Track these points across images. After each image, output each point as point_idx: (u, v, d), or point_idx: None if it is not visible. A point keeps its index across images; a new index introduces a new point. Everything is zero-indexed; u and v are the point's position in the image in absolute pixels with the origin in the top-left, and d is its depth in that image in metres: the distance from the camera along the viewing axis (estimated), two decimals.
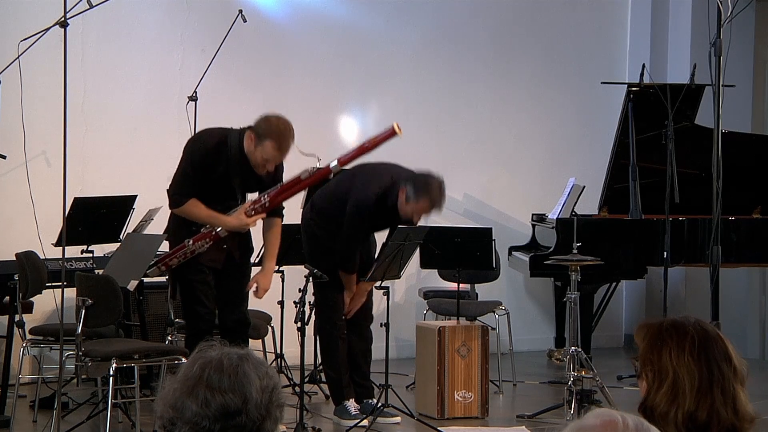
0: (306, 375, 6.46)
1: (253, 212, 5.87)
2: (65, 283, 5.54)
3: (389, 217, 6.25)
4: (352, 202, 6.25)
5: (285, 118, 5.83)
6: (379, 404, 6.22)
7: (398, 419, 6.30)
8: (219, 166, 5.82)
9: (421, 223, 6.50)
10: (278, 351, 7.20)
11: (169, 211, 6.00)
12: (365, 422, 6.17)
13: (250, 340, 6.84)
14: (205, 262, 5.90)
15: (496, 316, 7.76)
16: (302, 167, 5.98)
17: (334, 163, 5.94)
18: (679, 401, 2.23)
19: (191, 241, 5.84)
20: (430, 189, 6.13)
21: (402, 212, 6.18)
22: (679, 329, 2.29)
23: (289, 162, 6.02)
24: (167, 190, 5.96)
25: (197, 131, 6.17)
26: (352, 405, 6.40)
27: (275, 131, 5.73)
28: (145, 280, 6.69)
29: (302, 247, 6.67)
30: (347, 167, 6.11)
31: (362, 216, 6.25)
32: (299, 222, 7.02)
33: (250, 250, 6.13)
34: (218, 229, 5.85)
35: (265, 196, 5.89)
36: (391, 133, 5.95)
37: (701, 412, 2.22)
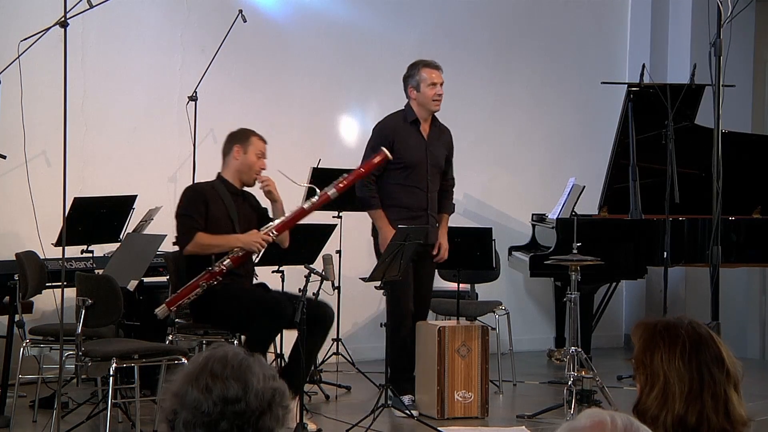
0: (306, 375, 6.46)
1: (265, 233, 6.16)
2: (65, 283, 5.53)
3: (413, 129, 6.79)
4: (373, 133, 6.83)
5: None
6: (379, 404, 6.23)
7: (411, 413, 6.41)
8: (216, 202, 6.16)
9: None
10: (278, 351, 7.19)
11: (179, 248, 6.19)
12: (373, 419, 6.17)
13: None
14: (243, 273, 6.26)
15: (496, 316, 7.76)
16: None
17: (332, 190, 6.22)
18: (669, 405, 2.23)
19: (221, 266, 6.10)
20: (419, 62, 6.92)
21: (423, 101, 6.80)
22: (672, 332, 2.28)
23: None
24: (174, 242, 6.23)
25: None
26: (407, 398, 6.58)
27: (248, 130, 6.31)
28: (145, 280, 6.69)
29: (305, 247, 6.69)
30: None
31: (382, 135, 6.73)
32: (299, 222, 7.00)
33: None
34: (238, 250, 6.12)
35: (273, 231, 6.18)
36: (383, 158, 6.42)
37: (691, 417, 2.21)
